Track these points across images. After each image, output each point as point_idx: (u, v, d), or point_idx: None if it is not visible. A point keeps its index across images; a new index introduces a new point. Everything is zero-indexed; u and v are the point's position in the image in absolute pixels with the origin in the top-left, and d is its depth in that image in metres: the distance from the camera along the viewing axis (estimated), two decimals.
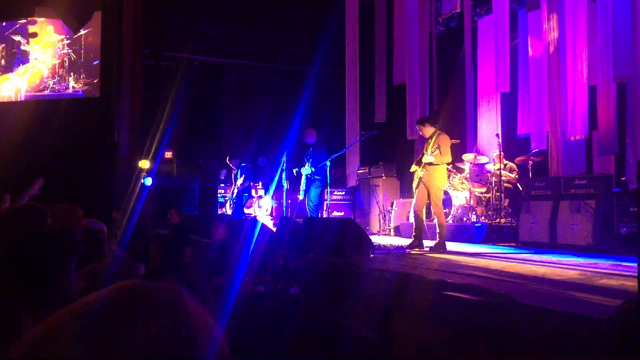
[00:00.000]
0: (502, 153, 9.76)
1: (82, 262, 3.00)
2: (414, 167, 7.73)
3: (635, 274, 2.78)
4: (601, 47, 9.32)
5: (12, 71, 14.14)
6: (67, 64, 13.95)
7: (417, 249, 7.33)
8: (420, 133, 7.91)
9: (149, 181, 11.34)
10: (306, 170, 10.19)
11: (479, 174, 9.96)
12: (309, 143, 10.36)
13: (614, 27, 8.58)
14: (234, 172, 12.40)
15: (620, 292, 3.76)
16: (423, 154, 7.57)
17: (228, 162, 12.43)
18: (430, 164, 7.41)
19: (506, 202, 9.69)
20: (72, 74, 13.90)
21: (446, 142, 7.49)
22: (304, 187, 10.33)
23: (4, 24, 14.21)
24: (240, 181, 12.13)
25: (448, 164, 7.97)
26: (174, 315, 0.76)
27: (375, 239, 8.50)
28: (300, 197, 10.57)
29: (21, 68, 14.12)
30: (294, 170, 10.54)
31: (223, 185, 13.39)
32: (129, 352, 0.69)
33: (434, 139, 7.51)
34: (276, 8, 14.14)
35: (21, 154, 12.45)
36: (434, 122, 7.80)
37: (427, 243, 7.56)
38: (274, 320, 4.60)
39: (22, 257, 1.79)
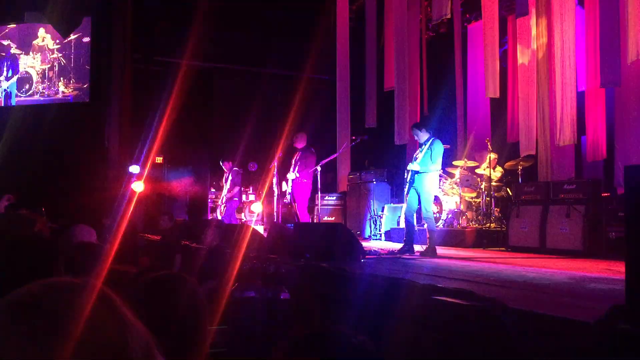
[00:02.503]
0: (492, 157, 9.81)
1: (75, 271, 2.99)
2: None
3: (623, 279, 2.81)
4: (589, 52, 9.40)
5: (1, 76, 14.06)
6: (57, 68, 13.90)
7: (407, 254, 7.35)
8: (415, 138, 7.95)
9: (139, 186, 11.29)
10: (291, 175, 10.18)
11: (469, 179, 10.01)
12: (299, 147, 10.34)
13: (601, 33, 8.65)
14: (225, 175, 12.35)
15: (608, 296, 3.79)
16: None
17: (221, 163, 12.40)
18: (417, 172, 7.46)
19: (497, 208, 9.74)
20: (62, 78, 13.85)
21: (438, 148, 7.52)
22: (290, 190, 10.30)
23: None
24: (228, 185, 12.08)
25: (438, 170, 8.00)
26: (101, 315, 0.77)
27: (366, 244, 8.52)
28: (287, 199, 10.54)
29: (10, 72, 14.05)
30: (283, 183, 10.49)
31: (214, 190, 13.36)
32: (50, 347, 0.71)
33: (427, 144, 7.55)
34: (267, 13, 14.15)
35: (10, 159, 12.38)
36: (428, 127, 7.83)
37: (418, 248, 7.58)
38: (264, 326, 4.60)
39: (8, 261, 1.79)
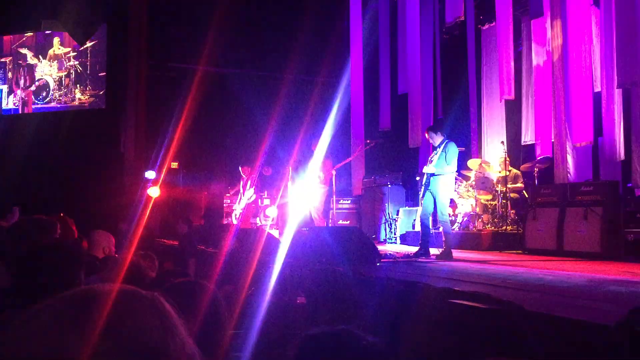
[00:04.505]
0: (507, 159, 9.76)
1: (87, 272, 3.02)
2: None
3: None
4: (605, 53, 9.33)
5: (19, 84, 14.25)
6: (73, 76, 14.05)
7: (423, 257, 7.32)
8: (430, 141, 7.94)
9: (155, 191, 11.37)
10: (312, 181, 10.17)
11: (485, 182, 9.95)
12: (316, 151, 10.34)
13: (617, 33, 8.58)
14: (242, 181, 12.40)
15: (627, 298, 3.76)
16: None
17: (240, 169, 12.45)
18: (432, 174, 7.44)
19: (512, 210, 9.67)
20: (78, 86, 14.00)
21: (453, 151, 7.50)
22: (309, 196, 10.29)
23: (10, 37, 14.33)
24: (249, 191, 12.13)
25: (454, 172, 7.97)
26: (148, 320, 0.78)
27: (382, 248, 8.50)
28: (305, 204, 10.52)
29: (28, 80, 14.22)
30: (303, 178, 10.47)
31: (229, 194, 13.41)
32: (95, 351, 0.72)
33: (441, 147, 7.53)
34: (281, 18, 14.20)
35: (28, 166, 12.53)
36: (442, 130, 7.81)
37: (434, 251, 7.55)
38: (280, 330, 4.60)
39: (34, 267, 1.81)
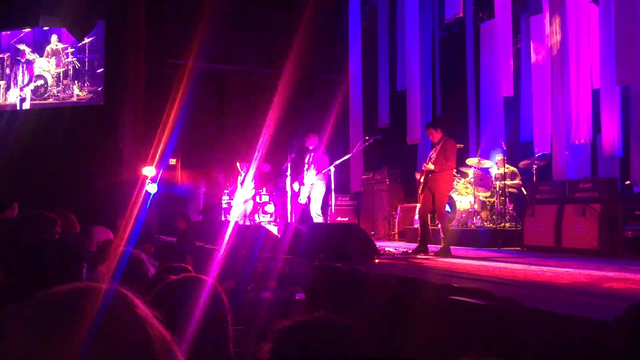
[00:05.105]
0: (505, 157, 9.76)
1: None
2: (419, 175, 7.77)
3: None
4: (604, 50, 9.33)
5: (16, 80, 14.21)
6: (71, 72, 14.02)
7: (422, 254, 7.33)
8: (430, 137, 7.95)
9: (153, 188, 11.36)
10: (309, 178, 10.17)
11: (483, 179, 9.95)
12: (311, 148, 10.34)
13: (616, 30, 8.58)
14: (241, 177, 12.38)
15: (626, 295, 3.76)
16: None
17: (238, 166, 12.45)
18: (432, 171, 7.44)
19: (511, 207, 9.68)
20: (76, 82, 13.97)
21: (452, 147, 7.51)
22: (306, 192, 10.30)
23: (8, 33, 14.29)
24: (247, 186, 12.12)
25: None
26: (120, 318, 0.78)
27: (380, 244, 8.50)
28: (302, 201, 10.52)
29: (26, 77, 14.19)
30: (296, 185, 10.48)
31: (227, 191, 13.41)
32: (69, 350, 0.71)
33: (440, 144, 7.53)
34: (279, 14, 14.19)
35: (26, 162, 12.52)
36: (442, 127, 7.81)
37: (432, 248, 7.56)
38: None
39: (35, 263, 1.81)
